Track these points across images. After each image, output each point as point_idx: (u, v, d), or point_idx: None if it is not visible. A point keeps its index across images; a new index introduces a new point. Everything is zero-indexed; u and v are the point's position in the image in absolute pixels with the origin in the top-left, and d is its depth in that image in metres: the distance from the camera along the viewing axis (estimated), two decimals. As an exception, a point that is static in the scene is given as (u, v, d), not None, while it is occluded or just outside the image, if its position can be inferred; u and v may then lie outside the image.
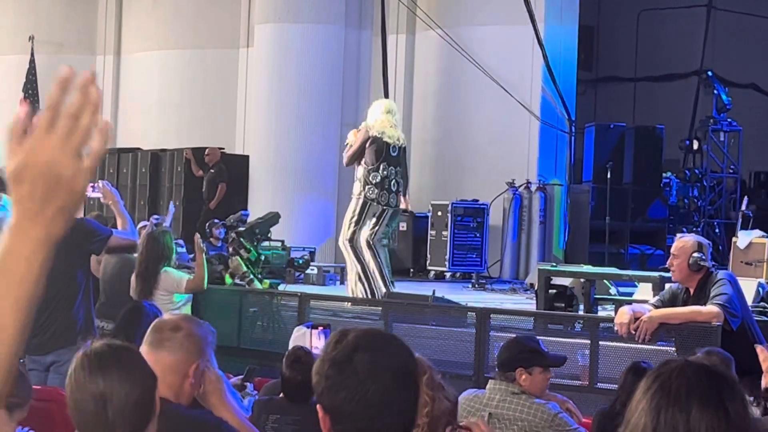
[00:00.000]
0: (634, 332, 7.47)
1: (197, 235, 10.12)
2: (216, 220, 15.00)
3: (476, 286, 15.26)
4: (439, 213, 16.61)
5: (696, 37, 21.82)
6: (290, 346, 6.72)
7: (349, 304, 10.99)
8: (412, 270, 17.02)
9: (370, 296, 11.09)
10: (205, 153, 18.21)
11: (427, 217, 16.91)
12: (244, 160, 18.33)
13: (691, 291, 7.51)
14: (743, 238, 11.54)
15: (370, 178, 11.25)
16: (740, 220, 13.17)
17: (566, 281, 10.17)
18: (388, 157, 11.34)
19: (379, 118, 11.31)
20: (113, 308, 8.15)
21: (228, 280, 11.24)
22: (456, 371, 8.54)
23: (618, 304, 9.08)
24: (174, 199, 18.88)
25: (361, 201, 11.29)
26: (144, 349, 3.73)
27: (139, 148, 20.50)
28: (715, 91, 17.50)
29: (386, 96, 17.08)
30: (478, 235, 16.53)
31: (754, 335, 7.42)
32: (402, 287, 12.12)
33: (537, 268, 11.77)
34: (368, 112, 11.67)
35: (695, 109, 20.68)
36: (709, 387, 2.22)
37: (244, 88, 19.97)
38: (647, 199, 16.82)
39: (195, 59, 20.76)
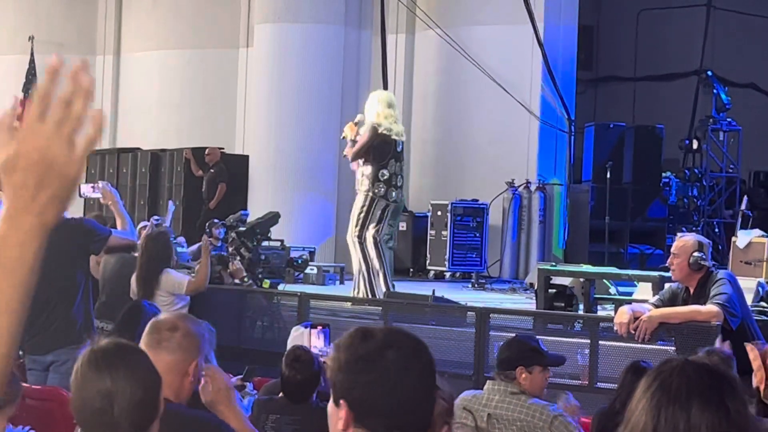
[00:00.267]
0: (633, 332, 7.47)
1: (205, 237, 10.13)
2: (216, 220, 14.99)
3: (476, 285, 15.25)
4: (439, 213, 16.61)
5: (696, 36, 21.81)
6: (288, 346, 6.72)
7: (349, 303, 10.99)
8: (411, 270, 17.02)
9: (369, 295, 11.08)
10: (206, 153, 18.21)
11: (426, 216, 16.91)
12: (243, 159, 18.34)
13: (691, 290, 7.51)
14: (743, 238, 11.55)
15: (379, 176, 11.22)
16: (740, 219, 13.17)
17: (566, 281, 10.17)
18: (395, 153, 11.36)
19: (382, 112, 11.25)
20: (113, 308, 8.16)
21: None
22: (456, 371, 8.55)
23: (618, 303, 9.09)
24: (174, 199, 18.89)
25: (369, 198, 11.24)
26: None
27: (138, 148, 20.50)
28: (715, 91, 17.49)
29: (386, 96, 17.05)
30: (477, 234, 16.53)
31: (753, 335, 7.41)
32: (402, 287, 12.11)
33: (537, 267, 11.78)
34: (366, 104, 11.55)
35: (695, 109, 20.68)
36: (710, 386, 2.22)
37: (243, 88, 19.96)
38: (647, 199, 16.82)
39: (195, 59, 20.76)
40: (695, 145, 17.85)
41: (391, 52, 18.37)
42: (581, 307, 9.87)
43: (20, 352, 7.69)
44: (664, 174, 17.08)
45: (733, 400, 2.21)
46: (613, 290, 10.83)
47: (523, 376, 5.82)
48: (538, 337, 6.65)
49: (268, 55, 17.77)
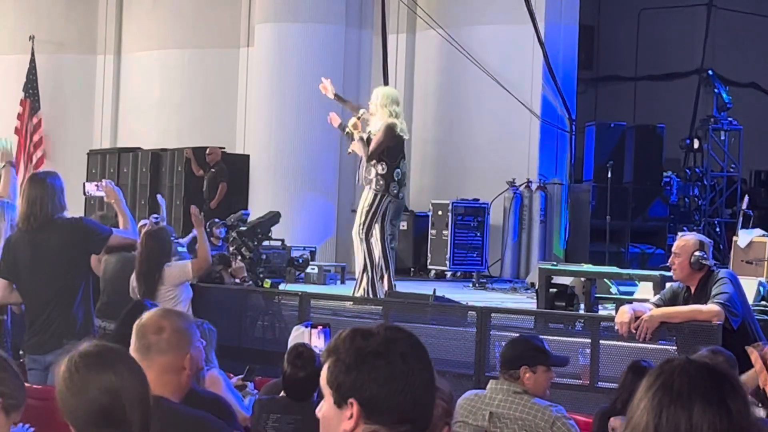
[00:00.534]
0: (634, 331, 7.46)
1: (194, 207, 10.07)
2: (216, 220, 14.98)
3: (477, 285, 15.25)
4: (440, 212, 16.61)
5: (696, 36, 21.80)
6: (289, 346, 6.71)
7: (350, 303, 10.98)
8: (412, 269, 17.02)
9: (371, 294, 11.07)
10: (207, 152, 18.21)
11: (427, 216, 16.91)
12: (244, 159, 18.34)
13: (692, 290, 7.51)
14: (744, 237, 11.55)
15: (395, 175, 11.22)
16: (741, 218, 13.16)
17: (567, 280, 10.17)
18: (404, 152, 11.43)
19: (394, 111, 11.26)
20: (115, 308, 8.15)
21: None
22: (457, 370, 8.54)
23: (619, 303, 9.08)
24: (174, 198, 18.89)
25: (379, 196, 11.21)
26: (133, 357, 3.70)
27: (139, 148, 20.50)
28: (716, 90, 17.49)
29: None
30: (478, 234, 16.53)
31: (755, 334, 7.41)
32: (402, 286, 12.11)
33: (537, 267, 11.78)
34: (374, 99, 11.41)
35: (696, 108, 20.67)
36: (711, 385, 2.22)
37: (244, 88, 19.96)
38: (648, 198, 16.81)
39: (195, 59, 20.75)
40: (696, 144, 17.83)
41: (391, 51, 18.37)
42: (582, 306, 9.86)
43: (20, 352, 7.70)
44: (665, 173, 17.08)
45: (734, 399, 2.21)
46: (614, 290, 10.82)
47: (527, 375, 5.82)
48: (529, 334, 6.65)
49: (268, 54, 17.77)
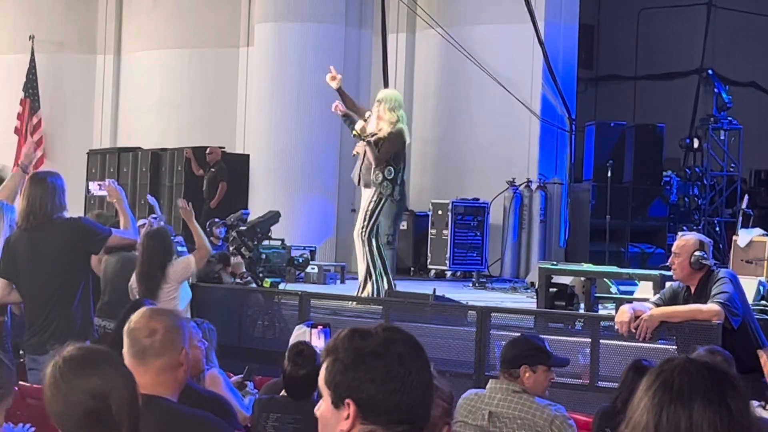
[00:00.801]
0: (634, 331, 7.46)
1: (181, 200, 10.05)
2: (216, 219, 14.99)
3: (477, 284, 15.25)
4: (440, 212, 16.62)
5: (696, 35, 21.81)
6: (288, 347, 6.71)
7: (350, 303, 10.98)
8: (412, 269, 17.02)
9: (376, 293, 11.06)
10: (207, 152, 18.21)
11: (427, 215, 16.91)
12: (244, 159, 18.34)
13: (692, 289, 7.50)
14: (744, 237, 11.54)
15: (397, 180, 11.23)
16: (741, 218, 13.16)
17: (567, 280, 10.17)
18: (405, 156, 11.50)
19: (402, 116, 11.29)
20: (115, 308, 8.15)
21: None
22: (456, 370, 8.54)
23: (618, 302, 9.08)
24: (174, 198, 18.88)
25: (383, 199, 11.21)
26: (129, 362, 3.68)
27: (139, 148, 20.50)
28: (716, 90, 17.49)
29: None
30: (478, 233, 16.53)
31: (754, 334, 7.41)
32: (403, 286, 12.11)
33: (537, 266, 11.77)
34: (386, 103, 11.35)
35: (695, 108, 20.67)
36: (712, 384, 2.22)
37: (244, 88, 19.97)
38: (648, 198, 16.82)
39: (195, 58, 20.76)
40: (696, 144, 17.84)
41: (391, 51, 18.37)
42: (582, 306, 9.86)
43: (20, 352, 7.69)
44: (664, 173, 17.08)
45: (735, 398, 2.21)
46: (613, 289, 10.83)
47: (527, 375, 5.82)
48: (531, 334, 6.65)
49: (268, 54, 17.77)
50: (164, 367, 3.85)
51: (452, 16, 18.00)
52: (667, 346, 7.73)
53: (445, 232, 16.47)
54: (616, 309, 8.26)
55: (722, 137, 17.51)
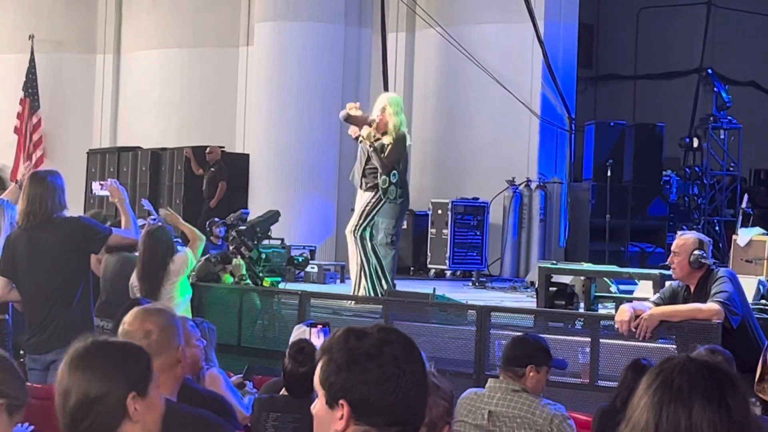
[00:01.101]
0: (634, 330, 7.47)
1: (162, 209, 10.10)
2: (216, 219, 15.00)
3: (476, 284, 15.25)
4: (440, 211, 16.61)
5: (696, 34, 21.82)
6: (289, 345, 6.71)
7: (350, 302, 10.97)
8: (412, 268, 17.01)
9: (371, 292, 11.06)
10: (207, 151, 18.21)
11: (427, 215, 16.91)
12: (244, 158, 18.33)
13: (692, 289, 7.51)
14: (743, 236, 11.54)
15: (399, 182, 11.22)
16: (740, 217, 13.16)
17: (567, 279, 10.17)
18: (407, 157, 11.50)
19: (404, 120, 11.30)
20: (114, 307, 8.14)
21: (228, 278, 11.23)
22: (456, 369, 8.54)
23: (618, 301, 9.08)
24: (174, 198, 18.90)
25: (383, 200, 11.19)
26: None
27: (139, 147, 20.50)
28: (715, 89, 17.49)
29: (386, 94, 17.04)
30: (478, 233, 16.53)
31: (754, 333, 7.42)
32: (402, 285, 12.10)
33: (537, 266, 11.76)
34: (388, 108, 11.34)
35: (695, 107, 20.68)
36: (711, 383, 2.22)
37: (244, 87, 19.96)
38: (647, 197, 16.81)
39: (195, 58, 20.75)
40: (696, 143, 17.84)
41: (391, 50, 18.37)
42: (582, 305, 9.86)
43: (21, 351, 7.69)
44: (664, 172, 17.08)
45: (734, 398, 2.21)
46: (613, 288, 10.82)
47: (531, 374, 5.83)
48: (535, 334, 6.66)
49: (268, 53, 17.76)
50: (162, 367, 3.85)
51: (452, 16, 18.00)
52: (666, 346, 7.73)
53: (444, 231, 16.47)
54: (616, 308, 8.26)
55: (722, 136, 17.51)
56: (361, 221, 11.22)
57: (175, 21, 20.89)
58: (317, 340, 7.30)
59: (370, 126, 11.20)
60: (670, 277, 7.99)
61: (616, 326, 7.65)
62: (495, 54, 17.56)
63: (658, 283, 8.89)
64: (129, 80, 21.86)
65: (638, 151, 16.83)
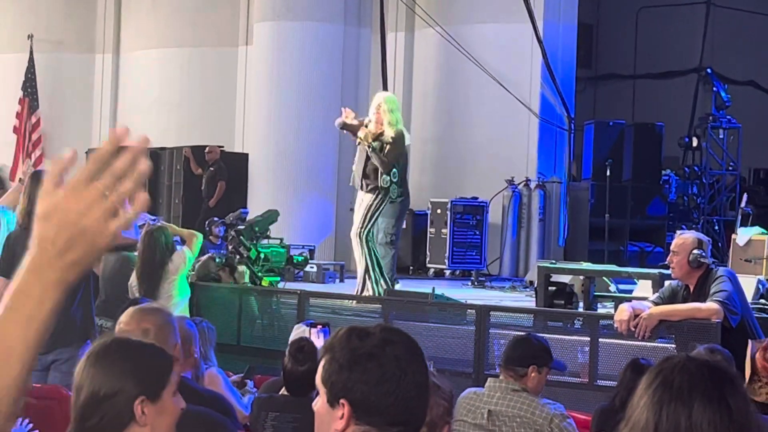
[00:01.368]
0: (633, 329, 7.47)
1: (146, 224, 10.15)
2: (215, 219, 15.01)
3: (476, 283, 15.25)
4: (439, 210, 16.61)
5: (695, 34, 21.83)
6: (289, 344, 6.71)
7: (349, 302, 10.97)
8: (411, 267, 17.01)
9: (373, 293, 11.06)
10: (206, 151, 18.21)
11: (426, 214, 16.91)
12: (243, 158, 18.33)
13: (691, 288, 7.51)
14: (743, 236, 11.54)
15: (399, 181, 11.21)
16: (740, 217, 13.16)
17: (566, 278, 10.17)
18: (406, 156, 11.49)
19: (400, 118, 11.29)
20: (113, 306, 8.14)
21: (231, 284, 11.25)
22: (456, 368, 8.54)
23: (617, 301, 9.08)
24: (173, 197, 18.89)
25: (386, 200, 11.19)
26: None
27: (138, 147, 20.47)
28: (715, 89, 17.49)
29: (385, 94, 17.03)
30: (477, 232, 16.52)
31: (753, 332, 7.42)
32: (402, 285, 12.11)
33: (536, 265, 11.77)
34: (384, 105, 11.34)
35: (694, 107, 20.68)
36: (711, 382, 2.22)
37: (243, 86, 19.96)
38: (646, 197, 16.82)
39: (194, 57, 20.75)
40: (695, 142, 17.85)
41: (390, 50, 18.36)
42: (581, 304, 9.86)
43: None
44: (663, 172, 17.09)
45: (734, 397, 2.21)
46: (612, 288, 10.83)
47: (533, 375, 5.84)
48: (538, 335, 6.66)
49: (267, 53, 17.76)
50: None
51: (451, 15, 17.99)
52: (666, 345, 7.73)
53: (444, 230, 16.47)
54: (615, 307, 8.26)
55: (721, 136, 17.52)
56: (365, 223, 11.21)
57: (174, 21, 20.89)
58: (317, 339, 7.30)
59: (366, 127, 11.21)
60: (669, 277, 7.99)
61: (615, 326, 7.65)
62: (494, 54, 17.55)
63: (657, 283, 8.90)
64: (128, 80, 21.85)
65: (637, 151, 16.84)
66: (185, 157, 18.87)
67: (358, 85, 17.86)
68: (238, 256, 11.51)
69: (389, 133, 11.08)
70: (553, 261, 12.49)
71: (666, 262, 7.91)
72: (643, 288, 9.71)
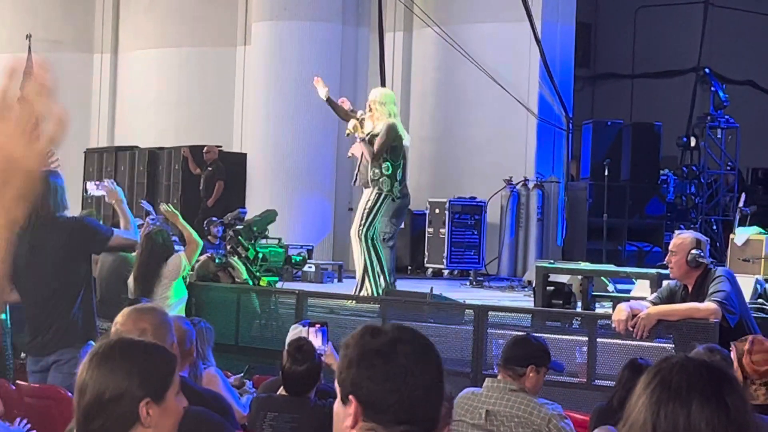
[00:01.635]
0: (631, 329, 7.47)
1: (162, 205, 10.08)
2: (214, 218, 15.00)
3: (474, 283, 15.26)
4: (437, 210, 16.61)
5: (693, 33, 21.83)
6: (287, 344, 6.71)
7: (347, 301, 10.97)
8: (409, 267, 17.02)
9: (372, 292, 11.05)
10: (204, 150, 18.20)
11: (424, 214, 16.91)
12: (241, 157, 18.34)
13: (689, 288, 7.51)
14: (741, 235, 11.54)
15: (397, 175, 11.18)
16: (738, 216, 13.16)
17: (564, 278, 10.17)
18: (405, 155, 11.43)
19: (394, 111, 11.25)
20: (109, 307, 8.14)
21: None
22: (454, 368, 8.54)
23: (616, 301, 9.09)
24: (172, 197, 18.89)
25: (382, 196, 11.18)
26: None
27: (136, 146, 20.50)
28: (713, 88, 17.50)
29: (383, 94, 17.02)
30: (475, 232, 16.53)
31: (751, 332, 7.41)
32: (400, 284, 12.11)
33: (535, 265, 11.77)
34: (376, 98, 11.34)
35: (693, 106, 20.70)
36: (710, 382, 2.22)
37: (241, 86, 19.96)
38: (645, 196, 16.82)
39: (192, 57, 20.75)
40: (693, 142, 17.85)
41: (388, 49, 18.37)
42: (579, 304, 9.86)
43: (23, 354, 7.67)
44: (662, 171, 17.10)
45: (732, 397, 2.21)
46: (611, 288, 10.83)
47: (531, 375, 5.84)
48: (536, 334, 6.66)
49: (265, 52, 17.76)
50: None
51: (449, 15, 17.99)
52: (664, 345, 7.73)
53: (442, 230, 16.47)
54: (614, 307, 8.27)
55: (719, 135, 17.52)
56: (363, 221, 11.19)
57: (172, 20, 20.89)
58: (315, 339, 7.30)
59: (358, 119, 11.23)
60: (667, 277, 8.00)
61: (613, 325, 7.65)
62: (492, 53, 17.56)
63: (656, 283, 8.90)
64: (126, 80, 21.85)
65: (636, 150, 16.84)
66: (183, 157, 18.87)
67: (357, 85, 17.86)
68: (236, 256, 11.51)
69: (379, 125, 11.07)
70: (552, 261, 12.49)
71: (664, 262, 7.90)
72: (642, 288, 9.72)
